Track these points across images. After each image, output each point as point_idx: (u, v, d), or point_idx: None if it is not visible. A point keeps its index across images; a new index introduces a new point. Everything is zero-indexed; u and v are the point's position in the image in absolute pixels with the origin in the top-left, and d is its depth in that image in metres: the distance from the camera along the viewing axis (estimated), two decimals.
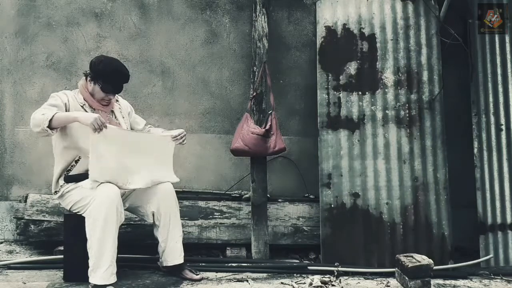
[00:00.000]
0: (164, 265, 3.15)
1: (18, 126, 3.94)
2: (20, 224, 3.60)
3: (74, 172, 2.94)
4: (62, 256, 3.13)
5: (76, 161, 2.94)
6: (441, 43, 3.75)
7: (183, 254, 3.14)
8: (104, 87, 2.95)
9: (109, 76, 2.94)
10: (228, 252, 3.68)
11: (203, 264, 3.44)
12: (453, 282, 3.35)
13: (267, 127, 3.53)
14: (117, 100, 3.19)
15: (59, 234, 3.42)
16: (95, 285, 2.76)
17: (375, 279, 3.34)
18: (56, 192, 2.99)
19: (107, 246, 2.75)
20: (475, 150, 3.72)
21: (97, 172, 2.81)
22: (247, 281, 3.17)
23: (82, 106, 2.97)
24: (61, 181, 2.96)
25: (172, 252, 3.10)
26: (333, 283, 3.16)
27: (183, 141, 3.18)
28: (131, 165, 2.96)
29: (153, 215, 3.07)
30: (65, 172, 2.95)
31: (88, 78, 2.99)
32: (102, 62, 2.95)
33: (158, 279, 3.12)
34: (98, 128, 2.76)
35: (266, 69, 3.68)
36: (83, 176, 2.91)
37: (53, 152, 3.03)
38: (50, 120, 2.74)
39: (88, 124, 2.75)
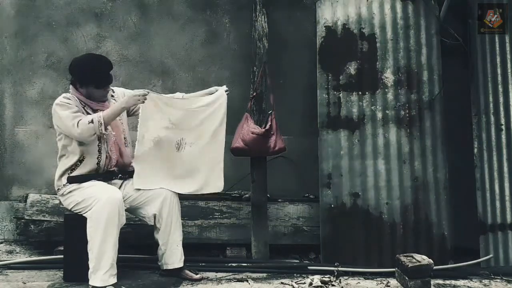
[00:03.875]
0: (164, 268, 3.14)
1: (18, 126, 3.94)
2: (20, 224, 3.60)
3: (77, 172, 2.92)
4: (62, 256, 3.13)
5: (81, 161, 2.92)
6: (441, 43, 3.75)
7: (183, 258, 3.13)
8: (98, 84, 2.93)
9: (96, 73, 2.93)
10: (228, 252, 3.68)
11: (203, 264, 3.44)
12: (453, 282, 3.35)
13: (267, 127, 3.52)
14: (112, 96, 3.13)
15: (59, 234, 3.41)
16: (94, 286, 2.75)
17: (375, 279, 3.34)
18: (58, 189, 2.97)
19: (107, 248, 2.75)
20: (475, 150, 3.71)
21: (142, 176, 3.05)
22: (247, 281, 3.17)
23: (83, 107, 2.95)
24: (64, 180, 2.94)
25: (172, 256, 3.10)
26: (333, 283, 3.16)
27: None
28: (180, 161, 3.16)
29: (155, 217, 3.06)
30: (69, 172, 2.93)
31: (78, 85, 2.95)
32: (82, 65, 2.94)
33: (158, 279, 3.13)
34: (143, 97, 2.88)
35: (266, 69, 3.68)
36: (86, 177, 2.92)
37: (59, 149, 2.98)
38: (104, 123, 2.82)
39: (135, 101, 2.89)
